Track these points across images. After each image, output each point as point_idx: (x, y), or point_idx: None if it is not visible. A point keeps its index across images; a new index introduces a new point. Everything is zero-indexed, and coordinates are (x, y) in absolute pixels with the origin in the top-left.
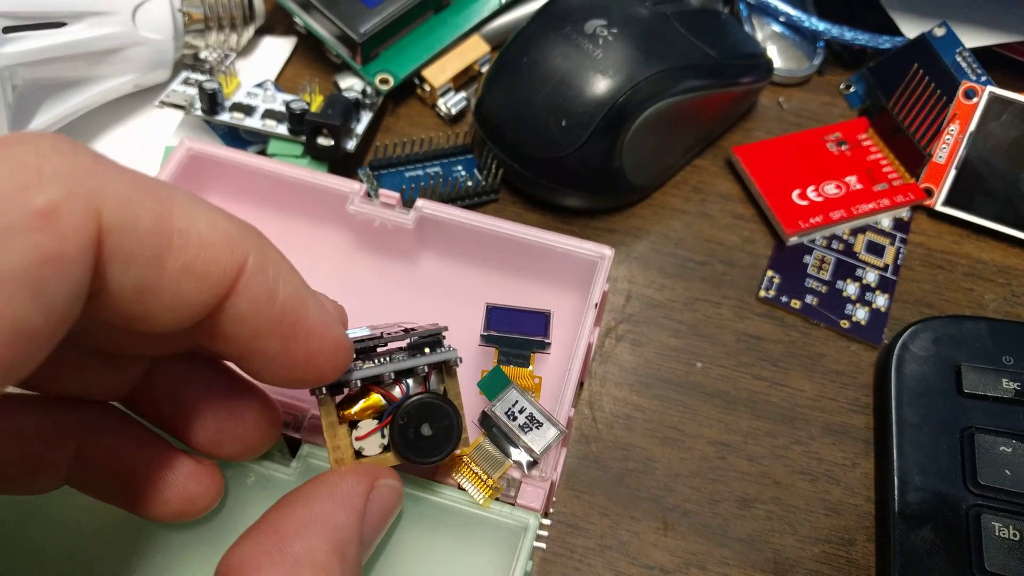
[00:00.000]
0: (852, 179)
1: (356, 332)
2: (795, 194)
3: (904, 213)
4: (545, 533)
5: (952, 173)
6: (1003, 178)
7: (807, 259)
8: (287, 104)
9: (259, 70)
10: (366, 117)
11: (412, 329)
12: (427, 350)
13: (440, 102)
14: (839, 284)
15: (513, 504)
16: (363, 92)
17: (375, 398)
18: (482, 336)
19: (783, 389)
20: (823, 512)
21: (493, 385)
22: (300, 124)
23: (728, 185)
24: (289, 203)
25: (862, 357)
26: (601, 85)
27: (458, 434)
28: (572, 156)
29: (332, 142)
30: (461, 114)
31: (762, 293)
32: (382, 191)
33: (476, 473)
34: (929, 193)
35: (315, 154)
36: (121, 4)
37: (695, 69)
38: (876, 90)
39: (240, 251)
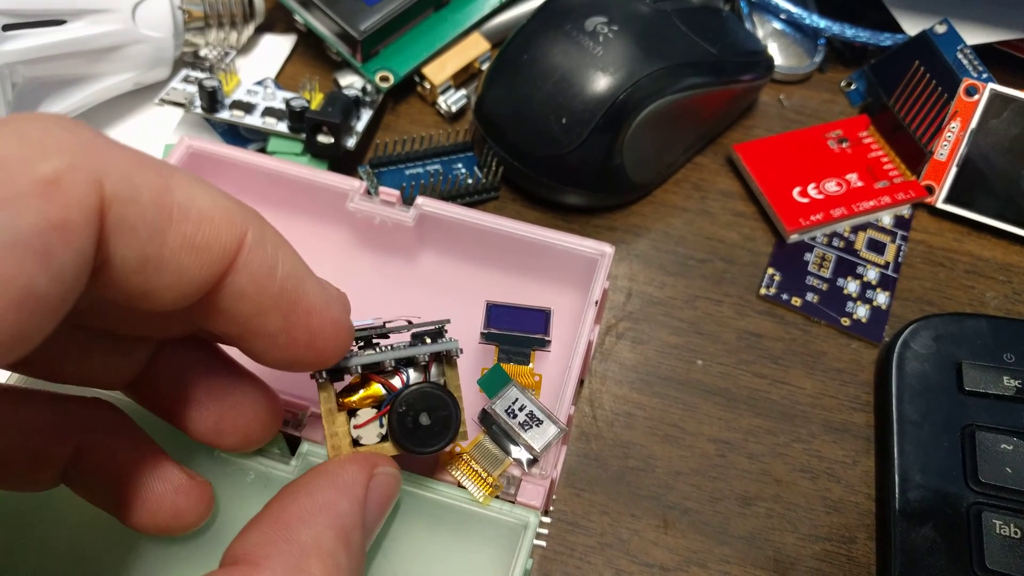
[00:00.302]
0: (853, 176)
1: (359, 322)
2: (796, 191)
3: (905, 210)
4: (545, 531)
5: (953, 170)
6: (1004, 175)
7: (808, 257)
8: (287, 102)
9: (259, 68)
10: (366, 115)
11: (414, 322)
12: (428, 340)
13: (440, 100)
14: (840, 282)
15: (513, 502)
16: (363, 90)
17: (375, 387)
18: (482, 334)
19: (784, 387)
20: (824, 510)
21: (493, 383)
22: (300, 122)
23: (729, 183)
24: (289, 201)
25: (863, 355)
26: (602, 82)
27: (456, 425)
28: (572, 154)
29: (332, 140)
30: (461, 112)
31: (763, 291)
32: (382, 189)
33: (476, 471)
34: (930, 190)
35: (315, 152)
36: (121, 2)
37: (696, 66)
38: (877, 87)
39: (239, 226)
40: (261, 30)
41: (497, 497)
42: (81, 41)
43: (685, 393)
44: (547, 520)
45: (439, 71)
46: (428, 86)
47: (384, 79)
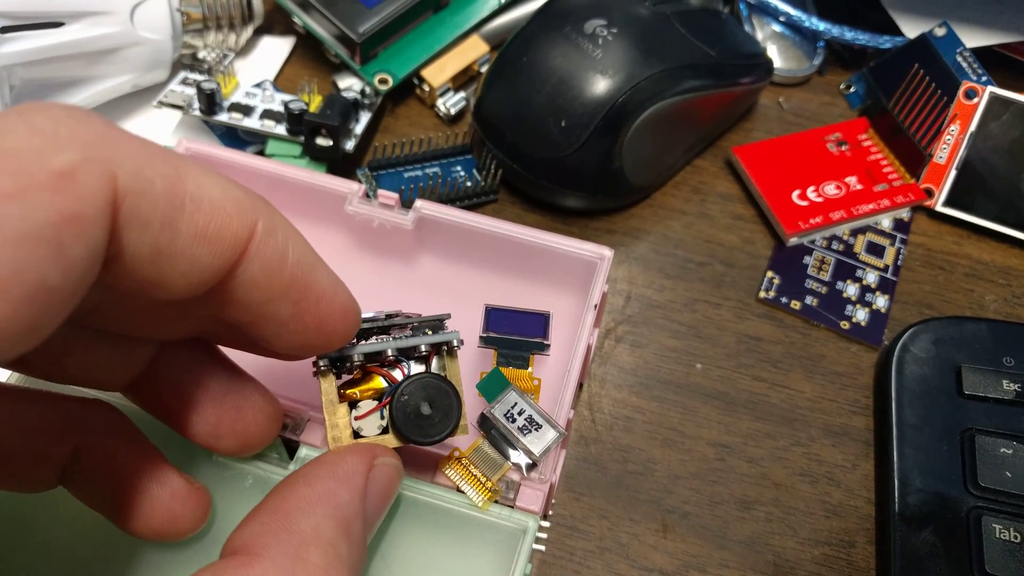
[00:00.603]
0: (852, 179)
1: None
2: (795, 194)
3: (904, 214)
4: (544, 535)
5: (952, 173)
6: (1004, 178)
7: (807, 260)
8: (286, 104)
9: (258, 70)
10: (365, 117)
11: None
12: (429, 332)
13: (439, 102)
14: (839, 285)
15: (512, 506)
16: (362, 92)
17: (376, 380)
18: (481, 337)
19: (783, 390)
20: (823, 514)
21: (492, 387)
22: (299, 124)
23: (728, 185)
24: (287, 204)
25: (862, 358)
26: (601, 85)
27: (458, 415)
28: (572, 156)
29: (331, 142)
30: (460, 114)
31: (762, 294)
32: (381, 191)
33: (475, 475)
34: (929, 194)
35: (314, 154)
36: (119, 4)
37: (695, 69)
38: (876, 90)
39: (250, 216)
40: (260, 32)
41: (496, 502)
42: (79, 43)
43: (684, 397)
44: (546, 524)
45: (438, 73)
46: (427, 88)
47: (383, 81)
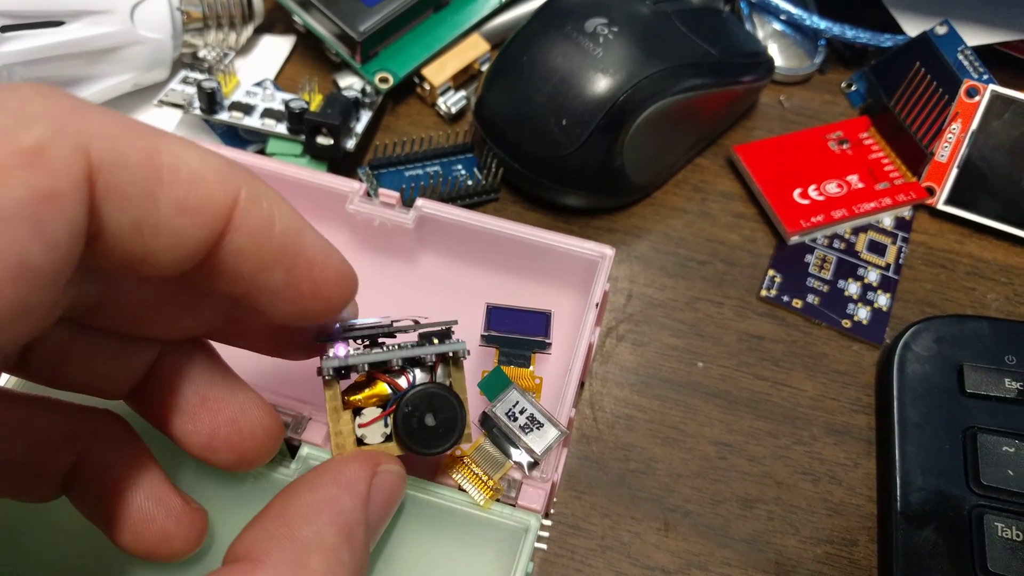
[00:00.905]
0: (853, 178)
1: (366, 320)
2: (796, 193)
3: (906, 212)
4: (546, 534)
5: (954, 172)
6: (1005, 177)
7: (808, 258)
8: (286, 103)
9: (258, 69)
10: (365, 116)
11: (421, 322)
12: (436, 341)
13: (440, 101)
14: (840, 283)
15: (514, 505)
16: (362, 91)
17: (381, 386)
18: (482, 336)
19: (784, 389)
20: (825, 512)
21: (493, 385)
22: (299, 123)
23: (729, 184)
24: (288, 202)
25: (864, 357)
26: (602, 84)
27: (461, 427)
28: (573, 155)
29: (331, 141)
30: (461, 113)
31: (763, 292)
32: (382, 190)
33: (477, 474)
34: (931, 192)
35: (314, 153)
36: (119, 3)
37: (696, 68)
38: (878, 88)
39: (232, 184)
40: (260, 31)
41: (498, 500)
42: (80, 42)
43: (686, 395)
44: (548, 523)
45: (439, 72)
46: (428, 87)
47: (383, 80)
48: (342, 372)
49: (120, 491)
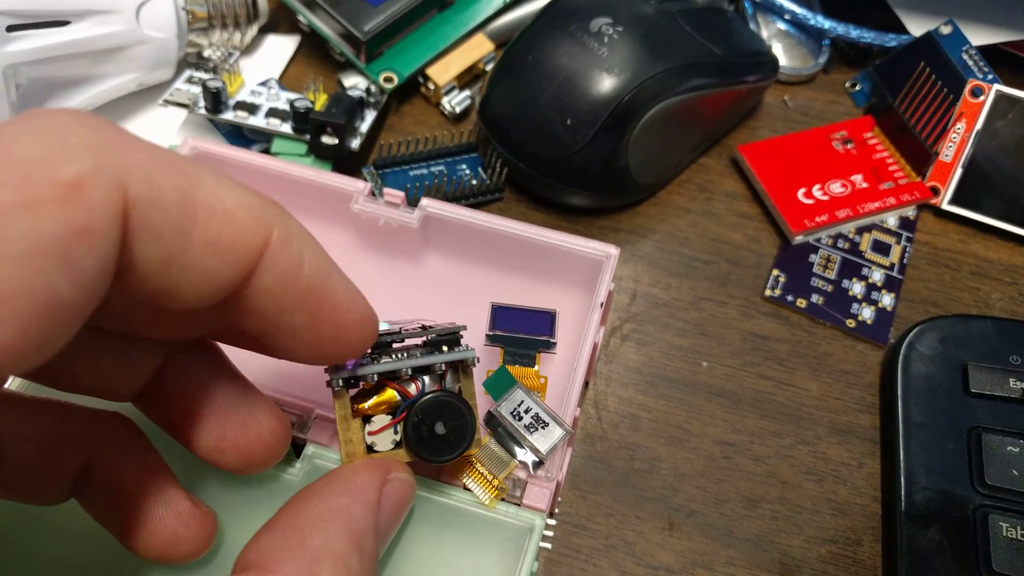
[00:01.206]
0: (858, 178)
1: None
2: (801, 193)
3: (910, 212)
4: (551, 533)
5: (958, 172)
6: (1010, 177)
7: (813, 258)
8: (291, 103)
9: (263, 68)
10: (370, 116)
11: (430, 327)
12: (445, 348)
13: (444, 100)
14: (845, 283)
15: (519, 504)
16: (367, 90)
17: (390, 393)
18: (487, 336)
19: (789, 389)
20: (829, 512)
21: (499, 385)
22: (304, 123)
23: (733, 184)
24: (293, 202)
25: (868, 356)
26: (606, 83)
27: (471, 434)
28: (577, 155)
29: (336, 141)
30: (465, 112)
31: (768, 292)
32: (386, 190)
33: (482, 473)
34: (935, 192)
35: (319, 153)
36: (125, 2)
37: (700, 67)
38: (882, 88)
39: (265, 225)
40: (265, 31)
41: (503, 500)
42: (85, 42)
43: (690, 395)
44: (552, 522)
45: (443, 72)
46: (432, 87)
47: (388, 80)
48: (351, 382)
49: (130, 494)
